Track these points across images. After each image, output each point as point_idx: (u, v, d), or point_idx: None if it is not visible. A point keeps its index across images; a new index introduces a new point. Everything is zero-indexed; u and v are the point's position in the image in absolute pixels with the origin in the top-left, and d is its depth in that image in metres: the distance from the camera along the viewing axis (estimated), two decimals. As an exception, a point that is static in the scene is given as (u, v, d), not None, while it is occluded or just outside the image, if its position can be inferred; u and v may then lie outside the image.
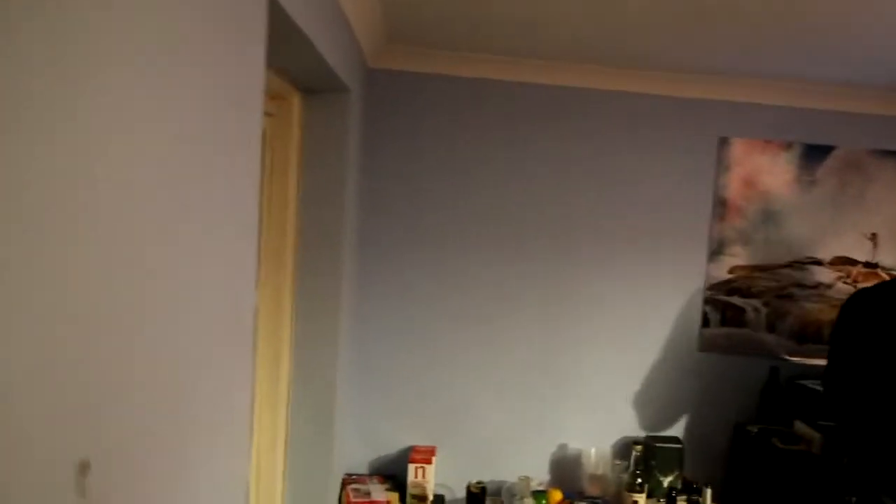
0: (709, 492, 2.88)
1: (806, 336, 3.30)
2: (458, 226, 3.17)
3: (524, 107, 3.14)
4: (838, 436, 2.71)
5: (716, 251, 3.28)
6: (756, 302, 3.33)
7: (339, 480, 2.87)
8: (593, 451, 3.12)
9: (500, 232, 3.18)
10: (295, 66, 2.06)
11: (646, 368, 3.28)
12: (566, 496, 3.01)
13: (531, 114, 3.14)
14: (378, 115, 3.09)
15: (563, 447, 3.25)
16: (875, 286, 2.71)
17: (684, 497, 2.97)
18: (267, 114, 2.25)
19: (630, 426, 3.27)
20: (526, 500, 2.86)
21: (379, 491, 2.85)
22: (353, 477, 3.01)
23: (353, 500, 2.80)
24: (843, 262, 3.24)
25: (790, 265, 3.32)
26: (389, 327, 3.17)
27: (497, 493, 3.08)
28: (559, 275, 3.22)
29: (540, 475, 3.20)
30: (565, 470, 3.23)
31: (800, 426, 2.99)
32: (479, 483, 2.93)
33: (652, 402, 3.28)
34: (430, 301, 3.18)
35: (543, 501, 2.91)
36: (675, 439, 3.15)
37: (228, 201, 1.17)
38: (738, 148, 3.23)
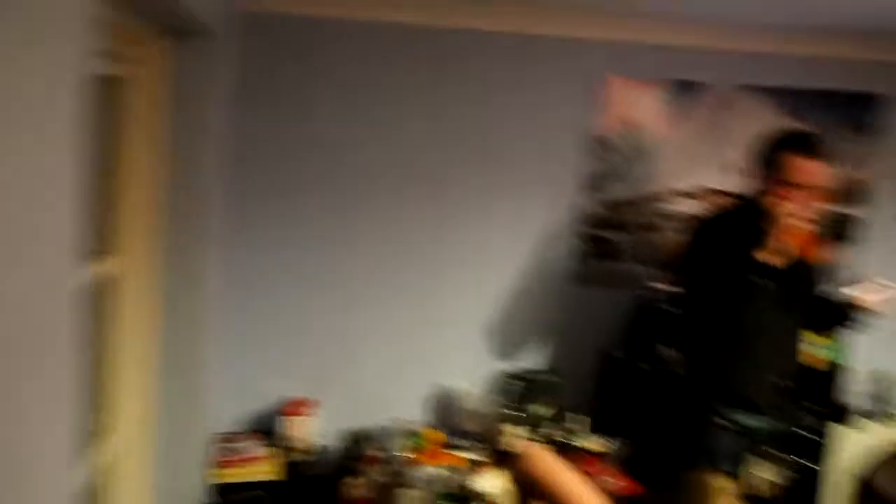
0: (577, 417, 2.98)
1: (671, 265, 3.41)
2: (333, 174, 3.10)
3: (395, 50, 3.06)
4: (692, 356, 2.86)
5: (589, 186, 3.31)
6: (626, 234, 3.40)
7: (212, 438, 2.83)
8: (469, 387, 3.17)
9: (376, 178, 3.14)
10: (150, 9, 1.92)
11: (519, 304, 3.34)
12: (443, 434, 3.05)
13: (404, 56, 3.07)
14: (255, 61, 2.97)
15: (440, 386, 3.30)
16: (719, 213, 2.85)
17: (559, 425, 3.07)
18: (125, 61, 2.09)
19: (505, 360, 3.33)
20: (399, 440, 2.89)
21: (254, 447, 2.83)
22: (228, 435, 2.97)
23: (224, 457, 2.77)
24: (712, 193, 3.33)
25: (660, 198, 3.39)
26: (263, 280, 3.10)
27: (376, 438, 3.10)
28: (435, 217, 3.21)
29: (419, 416, 3.24)
30: (442, 409, 3.28)
31: (663, 349, 3.12)
32: (357, 430, 2.93)
33: (526, 336, 3.36)
34: (304, 251, 3.11)
35: (419, 441, 2.95)
36: (549, 371, 3.24)
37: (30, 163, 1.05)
38: (612, 86, 3.24)
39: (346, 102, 3.07)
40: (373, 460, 2.88)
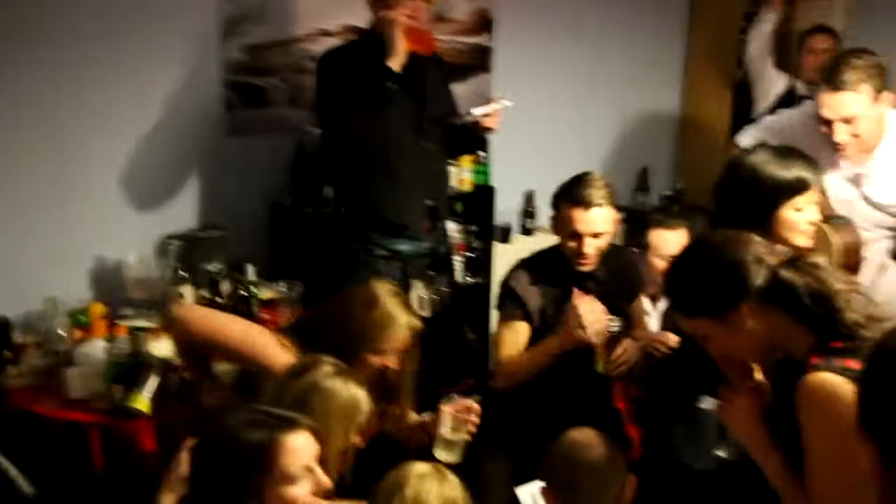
0: (251, 268, 2.99)
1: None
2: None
3: None
4: (344, 191, 2.97)
5: (228, 32, 3.20)
6: (275, 79, 3.36)
7: None
8: (132, 255, 3.03)
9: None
10: None
11: (174, 162, 3.22)
12: (109, 307, 2.91)
13: None
14: None
15: (99, 259, 3.12)
16: (342, 44, 2.97)
17: (235, 280, 3.05)
18: None
19: (168, 223, 3.22)
20: (58, 320, 2.70)
21: None
22: None
23: None
24: (351, 30, 3.35)
25: (304, 39, 3.38)
26: None
27: (29, 327, 2.85)
28: (62, 81, 2.92)
29: (80, 293, 3.04)
30: (106, 281, 3.12)
31: (328, 191, 3.20)
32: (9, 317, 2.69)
33: (186, 194, 3.27)
34: None
35: (83, 317, 2.79)
36: (214, 226, 3.20)
37: None
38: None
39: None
40: (29, 346, 2.67)
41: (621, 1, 4.33)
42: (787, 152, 2.31)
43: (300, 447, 1.55)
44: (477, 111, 2.85)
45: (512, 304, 2.56)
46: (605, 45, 4.32)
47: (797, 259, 1.70)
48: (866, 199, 2.71)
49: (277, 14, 3.31)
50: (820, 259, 1.70)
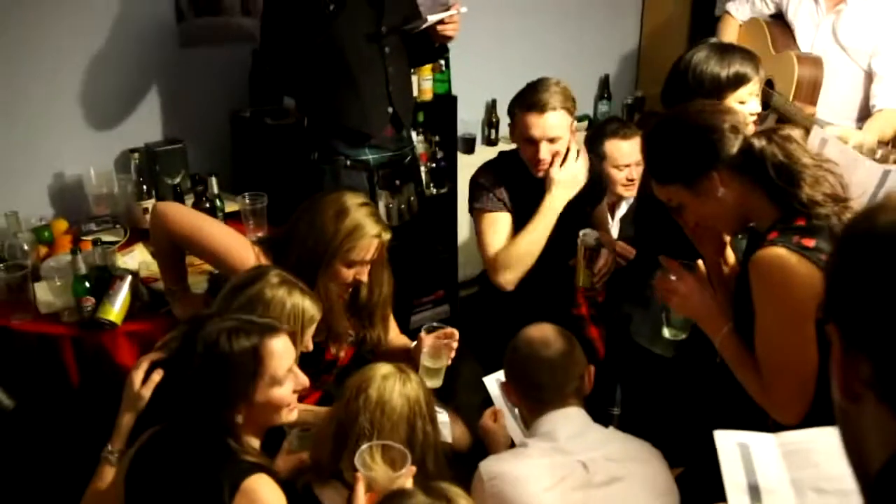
0: (214, 181, 3.01)
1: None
2: None
3: None
4: (306, 101, 2.96)
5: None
6: None
7: None
8: (92, 171, 3.03)
9: None
10: None
11: (130, 75, 3.19)
12: (72, 223, 2.92)
13: None
14: None
15: (59, 175, 3.12)
16: None
17: (192, 193, 3.08)
18: None
19: (127, 138, 3.21)
20: (22, 235, 2.70)
21: None
22: None
23: None
24: None
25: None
26: None
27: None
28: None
29: (41, 210, 3.04)
30: (67, 198, 3.12)
31: (288, 101, 3.19)
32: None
33: (143, 109, 3.25)
34: None
35: (46, 234, 2.80)
36: (175, 140, 3.20)
37: None
38: None
39: None
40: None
41: None
42: (725, 48, 2.39)
43: (283, 350, 1.63)
44: (432, 17, 2.83)
45: (487, 198, 2.59)
46: None
47: (773, 131, 1.75)
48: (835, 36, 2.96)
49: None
50: (795, 132, 1.75)
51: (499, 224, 2.60)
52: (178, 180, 3.07)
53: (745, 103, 2.31)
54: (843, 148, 2.39)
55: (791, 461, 1.57)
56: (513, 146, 2.65)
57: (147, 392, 1.78)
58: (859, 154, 2.35)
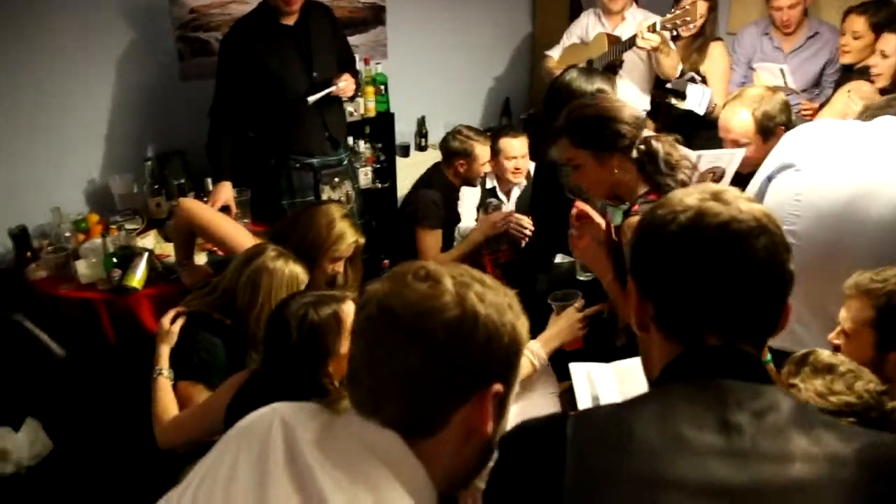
0: (209, 181, 3.09)
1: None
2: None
3: None
4: (257, 126, 3.00)
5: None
6: (217, 34, 3.37)
7: None
8: (117, 176, 3.13)
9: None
10: None
11: (142, 103, 3.27)
12: (102, 216, 3.02)
13: None
14: None
15: (92, 181, 3.21)
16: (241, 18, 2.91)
17: (192, 190, 3.17)
18: None
19: (142, 150, 3.31)
20: (64, 226, 2.82)
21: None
22: None
23: None
24: None
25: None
26: None
27: (42, 234, 2.95)
28: (67, 44, 2.98)
29: (79, 207, 3.13)
30: (99, 196, 3.21)
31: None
32: (18, 226, 2.78)
33: (153, 128, 3.33)
34: None
35: (83, 224, 2.91)
36: (179, 151, 3.31)
37: None
38: None
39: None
40: (44, 247, 2.79)
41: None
42: (588, 71, 2.46)
43: (352, 311, 1.54)
44: (312, 97, 2.86)
45: (437, 218, 2.91)
46: (474, 5, 4.37)
47: (658, 135, 1.81)
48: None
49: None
50: (670, 137, 1.81)
51: (433, 238, 2.90)
52: (181, 181, 3.16)
53: None
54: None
55: (620, 379, 1.74)
56: (437, 153, 2.92)
57: (176, 328, 1.89)
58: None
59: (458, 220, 3.20)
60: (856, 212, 1.83)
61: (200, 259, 2.59)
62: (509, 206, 3.26)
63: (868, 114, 1.99)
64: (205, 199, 2.98)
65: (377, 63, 3.88)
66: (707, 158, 2.21)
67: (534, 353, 1.83)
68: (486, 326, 0.82)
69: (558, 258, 2.57)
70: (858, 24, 2.97)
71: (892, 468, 0.78)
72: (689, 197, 0.91)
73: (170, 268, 2.59)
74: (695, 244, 0.87)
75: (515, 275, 2.84)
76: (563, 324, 1.90)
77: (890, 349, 1.43)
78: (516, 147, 3.18)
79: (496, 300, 0.85)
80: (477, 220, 3.16)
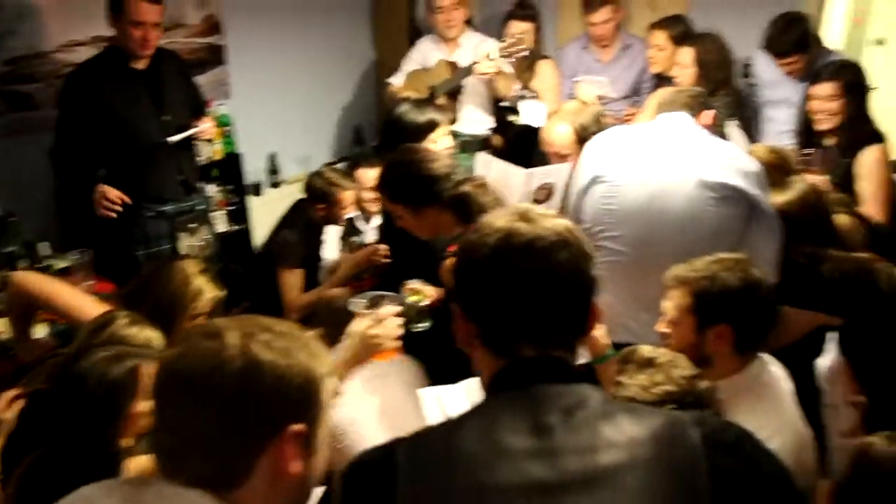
0: (47, 245, 2.92)
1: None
2: None
3: None
4: (111, 171, 2.89)
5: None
6: (40, 85, 3.20)
7: None
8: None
9: None
10: None
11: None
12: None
13: None
14: None
15: None
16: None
17: (32, 257, 2.96)
18: None
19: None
20: None
21: None
22: None
23: None
24: (100, 40, 3.23)
25: (59, 49, 3.25)
26: None
27: None
28: None
29: None
30: None
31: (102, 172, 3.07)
32: None
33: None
34: None
35: None
36: (10, 214, 3.04)
37: None
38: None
39: None
40: None
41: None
42: (420, 103, 2.59)
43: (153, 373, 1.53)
44: (174, 138, 2.85)
45: (297, 258, 2.91)
46: (313, 32, 4.38)
47: (470, 179, 1.94)
48: None
49: (31, 30, 3.15)
50: (486, 181, 1.93)
51: (296, 277, 2.91)
52: (13, 249, 2.92)
53: (436, 143, 2.47)
54: (501, 166, 2.63)
55: (471, 397, 1.78)
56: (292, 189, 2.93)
57: (9, 415, 1.71)
58: (510, 166, 2.59)
59: (320, 258, 3.21)
60: (657, 209, 1.99)
61: (41, 331, 2.43)
62: (369, 233, 3.28)
63: (658, 111, 2.20)
64: (43, 266, 2.81)
65: (220, 104, 3.81)
66: (538, 175, 2.36)
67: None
68: (272, 372, 0.85)
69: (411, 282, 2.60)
70: (660, 37, 3.31)
71: (681, 442, 0.86)
72: (498, 220, 0.98)
73: (4, 344, 2.42)
74: (504, 264, 0.94)
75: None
76: (355, 341, 1.65)
77: (706, 327, 1.59)
78: (372, 177, 3.11)
79: (284, 344, 0.88)
80: (340, 251, 3.17)
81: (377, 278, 3.04)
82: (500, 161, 2.71)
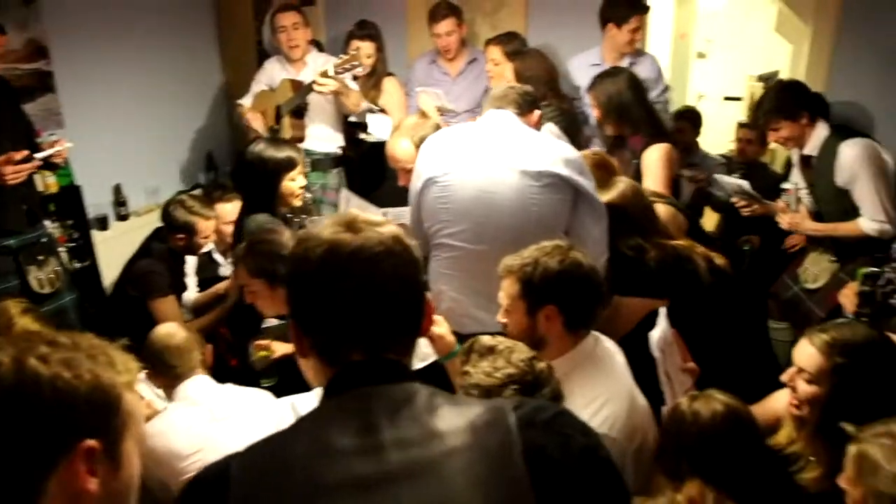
0: None
1: None
2: None
3: None
4: None
5: None
6: None
7: None
8: None
9: None
10: None
11: None
12: None
13: None
14: None
15: None
16: None
17: None
18: None
19: None
20: None
21: None
22: None
23: None
24: None
25: None
26: None
27: None
28: None
29: None
30: None
31: None
32: None
33: None
34: None
35: None
36: None
37: None
38: None
39: None
40: None
41: (157, 19, 4.23)
42: (277, 141, 2.65)
43: None
44: (40, 155, 2.76)
45: (168, 286, 2.83)
46: (155, 55, 4.22)
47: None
48: None
49: None
50: None
51: (172, 304, 2.83)
52: None
53: (294, 180, 2.54)
54: (359, 203, 2.79)
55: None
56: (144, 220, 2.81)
57: None
58: (369, 206, 2.70)
59: (185, 287, 3.11)
60: (486, 203, 2.08)
61: None
62: (224, 267, 3.27)
63: (489, 105, 2.32)
64: None
65: (50, 134, 3.56)
66: (392, 214, 2.49)
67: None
68: (52, 386, 0.81)
69: (270, 322, 2.55)
70: (495, 52, 3.49)
71: (498, 427, 0.89)
72: (324, 231, 0.98)
73: None
74: (329, 275, 0.94)
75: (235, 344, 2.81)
76: None
77: (536, 310, 1.70)
78: (230, 212, 3.14)
79: (68, 356, 0.83)
80: (198, 285, 3.10)
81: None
82: (357, 198, 2.86)
